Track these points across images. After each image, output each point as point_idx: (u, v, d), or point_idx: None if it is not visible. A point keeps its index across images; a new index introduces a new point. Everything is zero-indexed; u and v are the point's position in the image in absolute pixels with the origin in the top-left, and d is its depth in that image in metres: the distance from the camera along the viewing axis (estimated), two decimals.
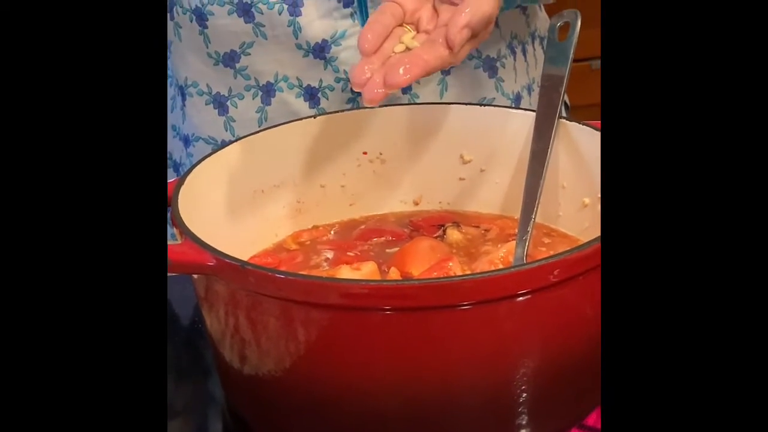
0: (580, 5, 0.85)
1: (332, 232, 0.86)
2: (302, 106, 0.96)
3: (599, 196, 0.78)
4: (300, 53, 0.94)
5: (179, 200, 0.72)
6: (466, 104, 0.88)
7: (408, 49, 0.76)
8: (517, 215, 0.77)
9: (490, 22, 0.76)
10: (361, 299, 0.62)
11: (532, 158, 0.79)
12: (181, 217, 0.70)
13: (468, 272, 0.75)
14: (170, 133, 1.07)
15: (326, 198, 0.87)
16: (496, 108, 0.87)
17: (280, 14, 0.93)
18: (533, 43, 1.06)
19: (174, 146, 1.07)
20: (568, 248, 0.64)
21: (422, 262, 0.76)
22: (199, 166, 0.78)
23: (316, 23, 0.93)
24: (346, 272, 0.72)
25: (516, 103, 1.03)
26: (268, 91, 0.97)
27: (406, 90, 0.96)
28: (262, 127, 0.95)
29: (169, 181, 0.76)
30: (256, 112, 0.98)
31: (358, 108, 0.93)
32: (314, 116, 0.85)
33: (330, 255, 0.81)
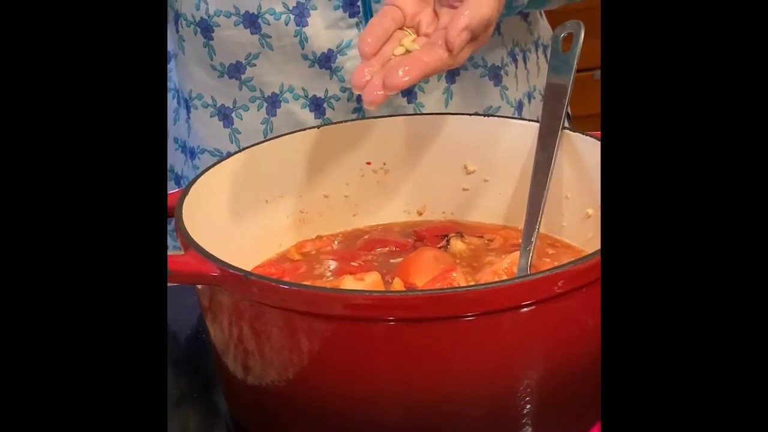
0: (584, 16, 0.85)
1: (336, 242, 0.86)
2: (308, 116, 0.96)
3: None
4: (306, 63, 0.94)
5: (183, 210, 0.72)
6: (469, 115, 0.88)
7: (408, 51, 0.76)
8: (521, 226, 0.77)
9: (490, 25, 0.76)
10: (365, 310, 0.62)
11: (536, 169, 0.79)
12: (185, 228, 0.70)
13: (472, 283, 0.75)
14: (171, 146, 1.07)
15: (330, 208, 0.87)
16: (500, 119, 0.87)
17: (286, 25, 0.93)
18: (536, 51, 1.06)
19: (176, 159, 1.07)
20: (572, 259, 0.64)
21: (426, 272, 0.76)
22: (203, 176, 0.78)
23: (322, 33, 0.93)
24: (349, 283, 0.72)
25: (518, 110, 1.03)
26: (273, 103, 0.97)
27: (411, 99, 0.96)
28: (267, 137, 0.95)
29: (172, 192, 0.76)
30: (262, 123, 0.98)
31: (363, 118, 0.93)
32: (317, 127, 0.86)
33: (333, 265, 0.81)
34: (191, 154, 1.04)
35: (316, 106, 0.96)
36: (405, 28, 0.79)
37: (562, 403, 0.66)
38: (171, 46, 1.04)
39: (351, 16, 0.92)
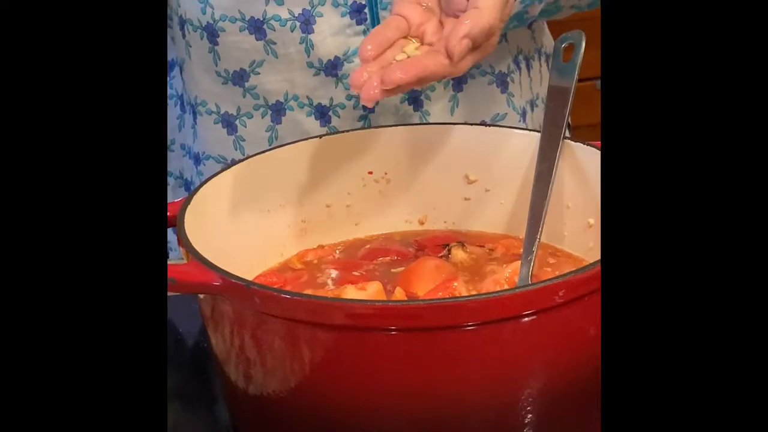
0: (585, 26, 0.85)
1: (337, 252, 0.86)
2: (313, 124, 0.96)
3: None
4: (311, 71, 0.94)
5: (185, 220, 0.72)
6: (470, 124, 0.88)
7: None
8: (522, 235, 0.77)
9: (492, 35, 0.76)
10: (366, 319, 0.62)
11: (537, 178, 0.79)
12: (187, 237, 0.70)
13: (473, 292, 0.75)
14: (179, 152, 1.07)
15: (332, 217, 0.87)
16: (501, 128, 0.87)
17: (292, 31, 0.93)
18: (539, 59, 1.06)
19: (185, 165, 1.07)
20: (574, 269, 0.64)
21: (427, 281, 0.76)
22: (204, 186, 0.78)
23: (328, 40, 0.93)
24: (351, 292, 0.72)
25: (522, 118, 1.03)
26: (278, 111, 0.97)
27: (417, 107, 0.97)
28: (271, 146, 0.95)
29: (174, 201, 0.76)
30: (266, 131, 0.98)
31: (369, 127, 0.93)
32: (319, 136, 0.86)
33: (335, 274, 0.81)
34: (196, 160, 1.04)
35: (322, 114, 0.96)
36: (409, 38, 0.79)
37: (563, 411, 0.66)
38: (176, 53, 1.04)
39: (358, 23, 0.92)
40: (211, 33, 0.95)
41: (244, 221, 0.82)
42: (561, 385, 0.65)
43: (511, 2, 0.79)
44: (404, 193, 0.88)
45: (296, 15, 0.92)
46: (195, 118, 1.02)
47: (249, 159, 0.83)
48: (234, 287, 0.65)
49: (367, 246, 0.86)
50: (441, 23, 0.79)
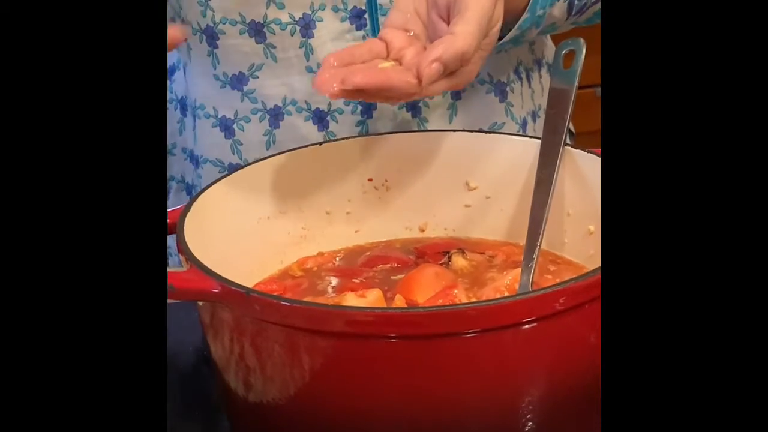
0: (585, 33, 0.86)
1: (337, 259, 0.86)
2: (311, 129, 0.96)
3: None
4: (310, 76, 0.94)
5: (185, 227, 0.72)
6: (471, 131, 0.88)
7: None
8: (523, 242, 0.77)
9: (466, 61, 0.76)
10: (366, 327, 0.62)
11: (538, 185, 0.79)
12: (186, 244, 0.70)
13: (473, 299, 0.75)
14: (181, 156, 1.08)
15: (331, 225, 0.87)
16: (502, 135, 0.87)
17: (292, 35, 0.93)
18: (539, 70, 1.06)
19: (186, 169, 1.07)
20: (574, 276, 0.64)
21: (427, 289, 0.76)
22: (204, 193, 0.78)
23: (328, 45, 0.93)
24: (351, 299, 0.72)
25: (522, 128, 1.03)
26: (276, 115, 0.97)
27: (416, 114, 0.96)
28: (269, 151, 0.95)
29: (174, 209, 0.76)
30: (264, 135, 0.98)
31: (367, 134, 0.93)
32: (320, 143, 0.86)
33: (335, 282, 0.81)
34: (196, 163, 1.04)
35: (320, 119, 0.96)
36: (388, 60, 0.79)
37: (564, 418, 0.66)
38: (177, 55, 1.04)
39: (358, 28, 0.93)
40: (211, 36, 0.95)
41: (244, 228, 0.82)
42: (561, 392, 0.65)
43: (492, 33, 0.79)
44: (404, 200, 0.88)
45: (297, 19, 0.92)
46: (194, 121, 1.02)
47: (249, 166, 0.83)
48: (233, 294, 0.65)
49: (367, 253, 0.86)
50: (425, 50, 0.79)
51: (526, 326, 0.62)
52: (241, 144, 0.99)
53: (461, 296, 0.73)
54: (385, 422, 0.65)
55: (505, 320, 0.62)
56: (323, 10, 0.92)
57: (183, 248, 0.70)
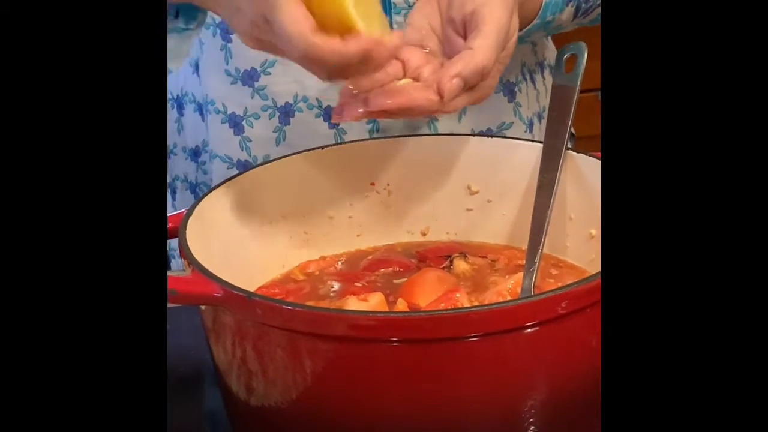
0: (587, 36, 0.85)
1: (339, 263, 0.86)
2: (322, 126, 0.96)
3: None
4: None
5: (187, 231, 0.72)
6: (473, 135, 0.88)
7: None
8: (525, 246, 0.77)
9: (486, 76, 0.76)
10: (368, 331, 0.62)
11: (540, 189, 0.79)
12: (189, 248, 0.70)
13: (475, 303, 0.75)
14: (182, 155, 1.08)
15: (334, 229, 0.87)
16: (504, 139, 0.87)
17: None
18: (542, 72, 1.07)
19: (189, 168, 1.07)
20: (576, 280, 0.64)
21: (429, 293, 0.76)
22: (206, 197, 0.78)
23: None
24: (353, 303, 0.72)
25: (529, 129, 1.03)
26: (286, 113, 0.97)
27: None
28: (278, 148, 0.96)
29: (176, 213, 0.76)
30: (274, 132, 0.98)
31: (378, 131, 0.93)
32: (321, 147, 0.86)
33: (337, 286, 0.81)
34: (200, 158, 1.04)
35: (331, 116, 0.96)
36: (405, 78, 0.79)
37: (565, 422, 0.66)
38: (195, 50, 1.04)
39: None
40: (225, 30, 0.96)
41: (246, 232, 0.82)
42: (563, 396, 0.65)
43: (509, 45, 0.78)
44: (406, 204, 0.88)
45: None
46: (206, 116, 1.02)
47: (251, 170, 0.83)
48: (236, 298, 0.65)
49: (369, 257, 0.86)
50: (442, 66, 0.79)
51: (529, 330, 0.62)
52: (250, 141, 0.99)
53: (463, 300, 0.73)
54: (387, 426, 0.64)
55: (507, 324, 0.62)
56: None
57: (185, 252, 0.70)
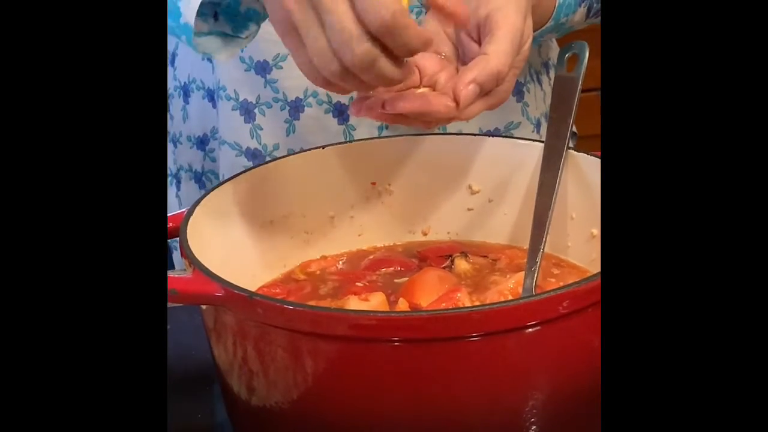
0: (589, 36, 0.85)
1: (340, 263, 0.86)
2: (331, 122, 0.97)
3: None
4: None
5: (188, 231, 0.72)
6: (474, 135, 0.88)
7: None
8: (526, 245, 0.77)
9: (502, 81, 0.75)
10: (369, 330, 0.62)
11: (541, 189, 0.79)
12: (189, 248, 0.70)
13: (476, 303, 0.75)
14: (187, 144, 1.07)
15: (335, 228, 0.87)
16: (505, 139, 0.87)
17: None
18: (547, 72, 1.07)
19: (193, 157, 1.07)
20: (578, 279, 0.64)
21: (430, 292, 0.76)
22: (207, 196, 0.78)
23: None
24: (354, 303, 0.72)
25: (536, 129, 1.03)
26: (296, 108, 0.97)
27: None
28: (288, 139, 0.96)
29: (177, 212, 0.76)
30: (285, 122, 0.98)
31: (387, 127, 0.93)
32: (322, 147, 0.86)
33: (338, 285, 0.81)
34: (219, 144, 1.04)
35: (340, 112, 0.97)
36: (422, 86, 0.79)
37: (566, 422, 0.66)
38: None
39: None
40: None
41: (247, 232, 0.82)
42: (565, 396, 0.65)
43: (524, 50, 0.78)
44: (407, 203, 0.88)
45: None
46: (217, 103, 1.02)
47: (251, 170, 0.83)
48: (237, 298, 0.65)
49: (370, 257, 0.86)
50: (457, 71, 0.79)
51: (530, 330, 0.62)
52: (261, 129, 0.99)
53: (464, 300, 0.73)
54: (388, 426, 0.64)
55: (508, 324, 0.62)
56: None
57: (186, 252, 0.70)
